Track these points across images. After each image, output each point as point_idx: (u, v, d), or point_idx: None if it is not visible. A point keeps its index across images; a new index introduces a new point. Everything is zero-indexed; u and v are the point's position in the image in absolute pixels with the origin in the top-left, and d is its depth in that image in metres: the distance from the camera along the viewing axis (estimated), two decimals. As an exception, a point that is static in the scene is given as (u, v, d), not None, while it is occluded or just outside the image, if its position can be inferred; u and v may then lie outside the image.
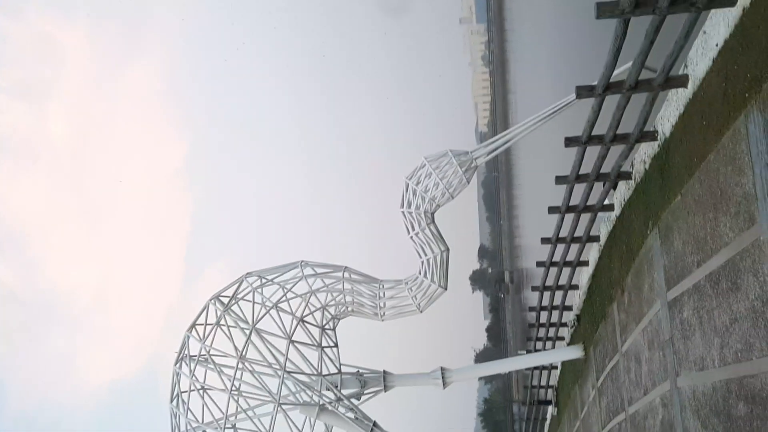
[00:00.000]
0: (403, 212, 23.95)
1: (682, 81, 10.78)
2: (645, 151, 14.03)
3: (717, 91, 9.47)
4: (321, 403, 21.53)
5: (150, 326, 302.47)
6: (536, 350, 31.38)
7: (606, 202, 17.52)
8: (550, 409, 37.75)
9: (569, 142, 13.38)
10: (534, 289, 25.20)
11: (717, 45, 9.43)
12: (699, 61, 10.22)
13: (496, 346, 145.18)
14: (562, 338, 29.13)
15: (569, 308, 26.13)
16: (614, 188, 16.59)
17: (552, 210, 18.16)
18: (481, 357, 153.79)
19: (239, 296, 22.71)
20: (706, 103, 10.04)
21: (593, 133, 13.17)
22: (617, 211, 17.32)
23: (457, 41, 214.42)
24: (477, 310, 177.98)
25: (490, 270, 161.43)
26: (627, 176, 15.49)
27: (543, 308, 26.57)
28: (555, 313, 26.63)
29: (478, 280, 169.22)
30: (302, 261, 24.12)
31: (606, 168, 15.40)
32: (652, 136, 13.09)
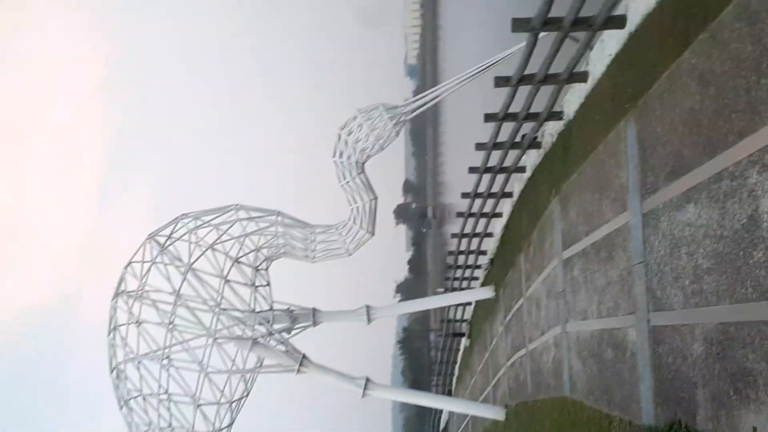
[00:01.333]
0: (335, 162, 25.31)
1: (582, 77, 12.59)
2: (554, 127, 15.94)
3: (607, 94, 11.32)
4: (254, 337, 23.11)
5: (66, 253, 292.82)
6: (453, 289, 34.09)
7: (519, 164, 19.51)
8: (464, 341, 41.02)
9: (488, 118, 15.12)
10: (453, 236, 27.45)
11: (610, 55, 11.22)
12: (597, 63, 12.01)
13: (417, 278, 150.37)
14: (477, 278, 31.79)
15: (484, 253, 28.62)
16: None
17: (472, 170, 20.06)
18: (402, 288, 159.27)
19: (175, 237, 23.71)
20: (599, 101, 11.92)
21: (509, 111, 14.96)
22: (529, 173, 19.38)
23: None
24: (399, 243, 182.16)
25: (413, 205, 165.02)
26: (537, 146, 17.45)
27: (461, 252, 28.94)
28: (471, 257, 29.11)
29: (401, 214, 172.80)
30: (237, 204, 25.22)
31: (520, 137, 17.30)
32: (558, 116, 14.98)
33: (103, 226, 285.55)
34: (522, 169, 19.73)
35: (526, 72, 12.63)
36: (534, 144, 17.42)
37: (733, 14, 6.87)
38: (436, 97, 26.05)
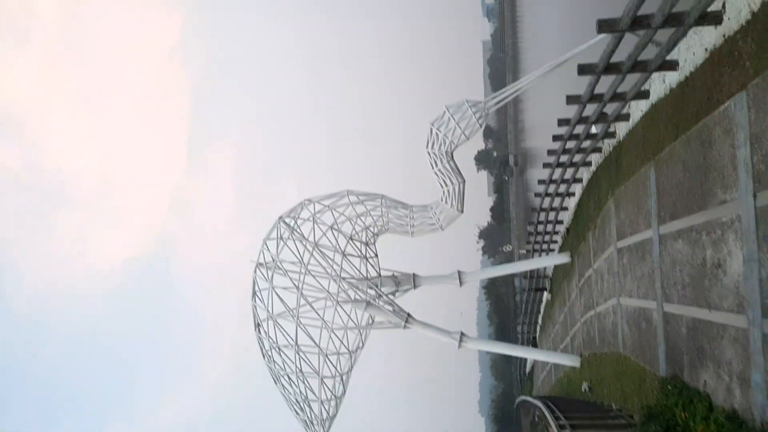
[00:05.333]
0: (428, 152, 29.83)
1: (624, 117, 16.69)
2: (608, 141, 20.02)
3: (640, 139, 15.47)
4: (367, 299, 28.47)
5: (158, 206, 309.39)
6: (535, 251, 38.62)
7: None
8: (545, 295, 45.50)
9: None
10: (533, 210, 31.74)
11: (642, 111, 15.30)
12: (634, 111, 16.10)
13: (500, 225, 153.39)
14: (556, 242, 36.10)
15: (560, 222, 32.86)
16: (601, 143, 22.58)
17: (546, 165, 24.36)
18: (485, 234, 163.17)
19: (301, 218, 29.21)
20: (635, 141, 16.05)
21: (573, 133, 19.19)
22: (593, 167, 23.48)
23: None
24: (481, 189, 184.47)
25: (495, 153, 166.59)
26: (598, 150, 21.56)
27: (540, 222, 33.30)
28: (549, 226, 33.45)
29: (482, 160, 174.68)
30: (347, 190, 30.40)
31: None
32: (612, 135, 19.07)
33: (190, 180, 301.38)
34: (589, 164, 23.82)
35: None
36: (595, 149, 21.54)
37: (696, 132, 11.03)
38: (516, 91, 29.86)
